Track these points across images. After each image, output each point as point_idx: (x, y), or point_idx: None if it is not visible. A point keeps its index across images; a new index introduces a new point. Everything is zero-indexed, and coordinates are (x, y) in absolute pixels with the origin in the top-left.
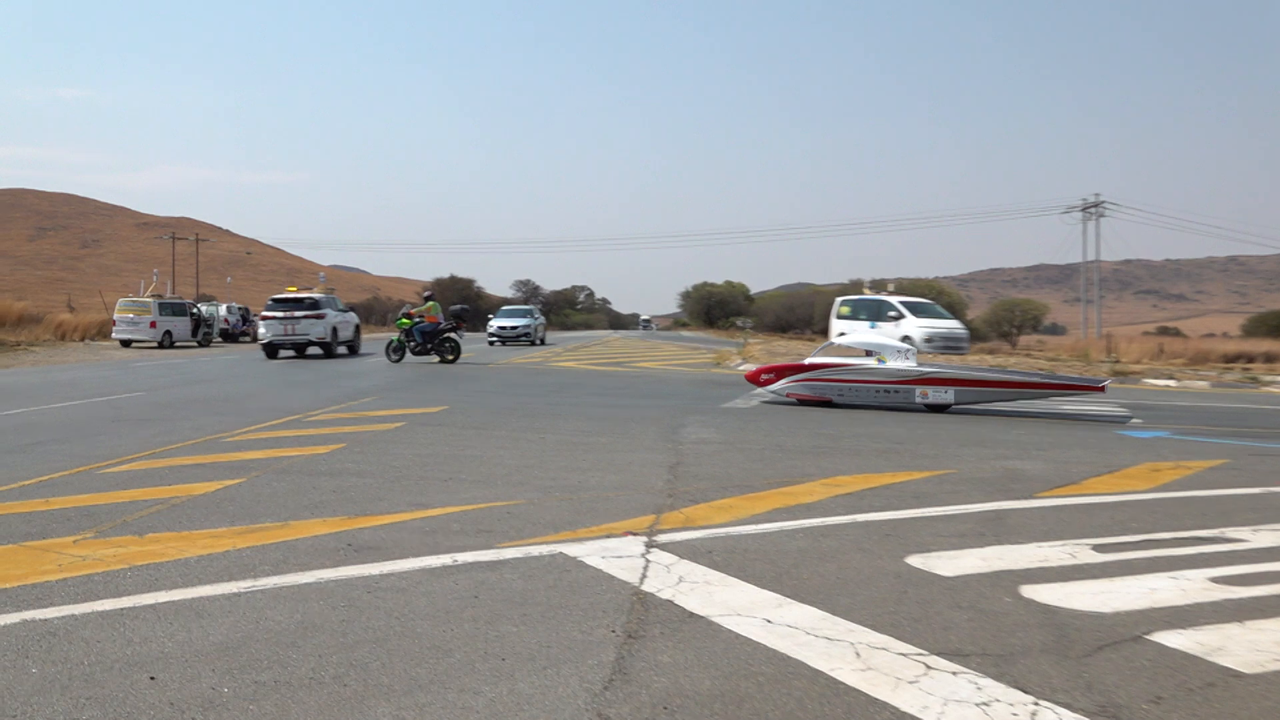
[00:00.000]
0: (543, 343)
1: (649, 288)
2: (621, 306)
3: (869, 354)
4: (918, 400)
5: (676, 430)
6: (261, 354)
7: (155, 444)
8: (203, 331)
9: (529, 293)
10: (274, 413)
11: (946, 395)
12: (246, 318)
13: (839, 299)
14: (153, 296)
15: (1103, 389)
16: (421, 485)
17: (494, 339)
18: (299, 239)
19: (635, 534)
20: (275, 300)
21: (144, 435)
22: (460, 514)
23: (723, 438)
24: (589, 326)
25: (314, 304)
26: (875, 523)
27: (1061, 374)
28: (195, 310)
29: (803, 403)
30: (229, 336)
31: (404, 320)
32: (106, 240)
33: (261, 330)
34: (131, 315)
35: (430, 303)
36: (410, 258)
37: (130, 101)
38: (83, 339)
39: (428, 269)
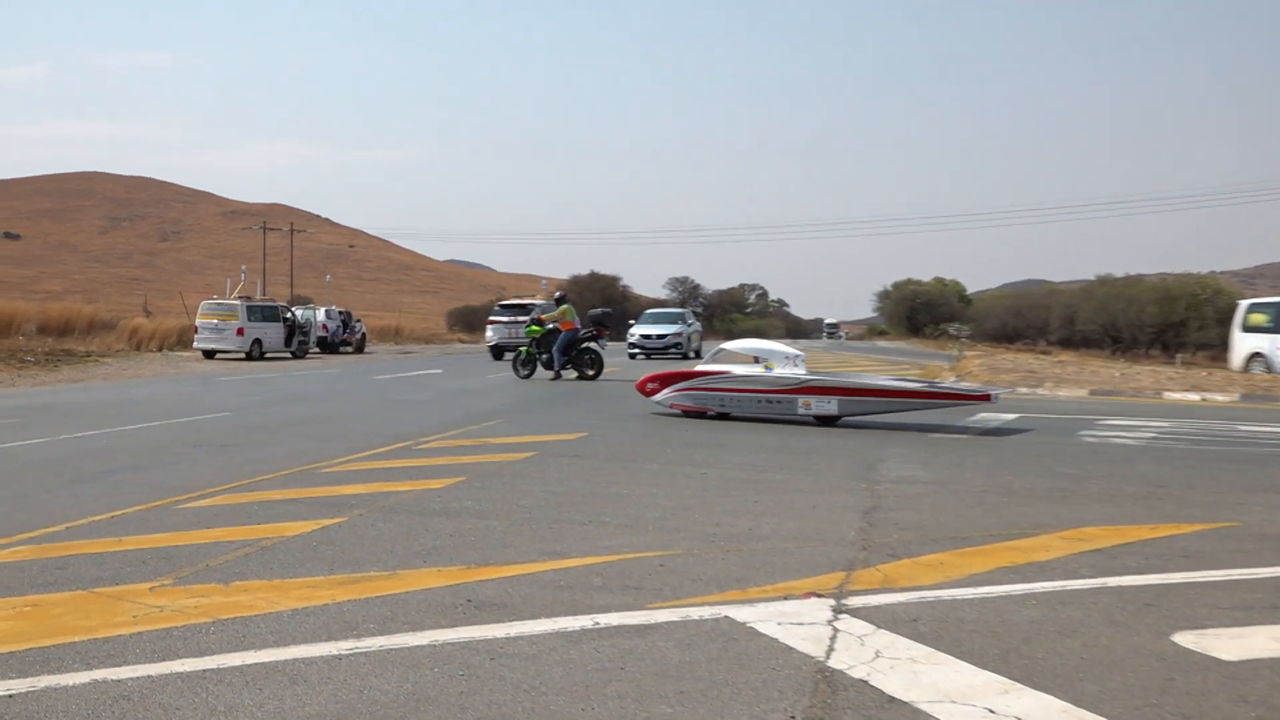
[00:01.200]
0: (698, 355)
1: (836, 286)
2: (802, 309)
3: (757, 360)
4: (800, 412)
5: (872, 466)
6: (365, 368)
7: (242, 474)
8: (298, 340)
9: (686, 293)
10: (381, 438)
11: (830, 406)
12: (349, 324)
13: (1246, 303)
14: (240, 298)
15: (988, 398)
16: (555, 529)
17: (635, 350)
18: (409, 229)
19: (820, 595)
20: (503, 306)
21: (229, 464)
22: (603, 565)
23: (931, 476)
24: (761, 334)
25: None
26: (1131, 589)
27: (948, 384)
28: (289, 315)
29: (687, 414)
30: (328, 346)
31: (533, 328)
32: (188, 232)
33: (489, 333)
34: (215, 321)
35: (564, 306)
36: (540, 252)
37: (218, 68)
38: (160, 348)
39: (562, 265)
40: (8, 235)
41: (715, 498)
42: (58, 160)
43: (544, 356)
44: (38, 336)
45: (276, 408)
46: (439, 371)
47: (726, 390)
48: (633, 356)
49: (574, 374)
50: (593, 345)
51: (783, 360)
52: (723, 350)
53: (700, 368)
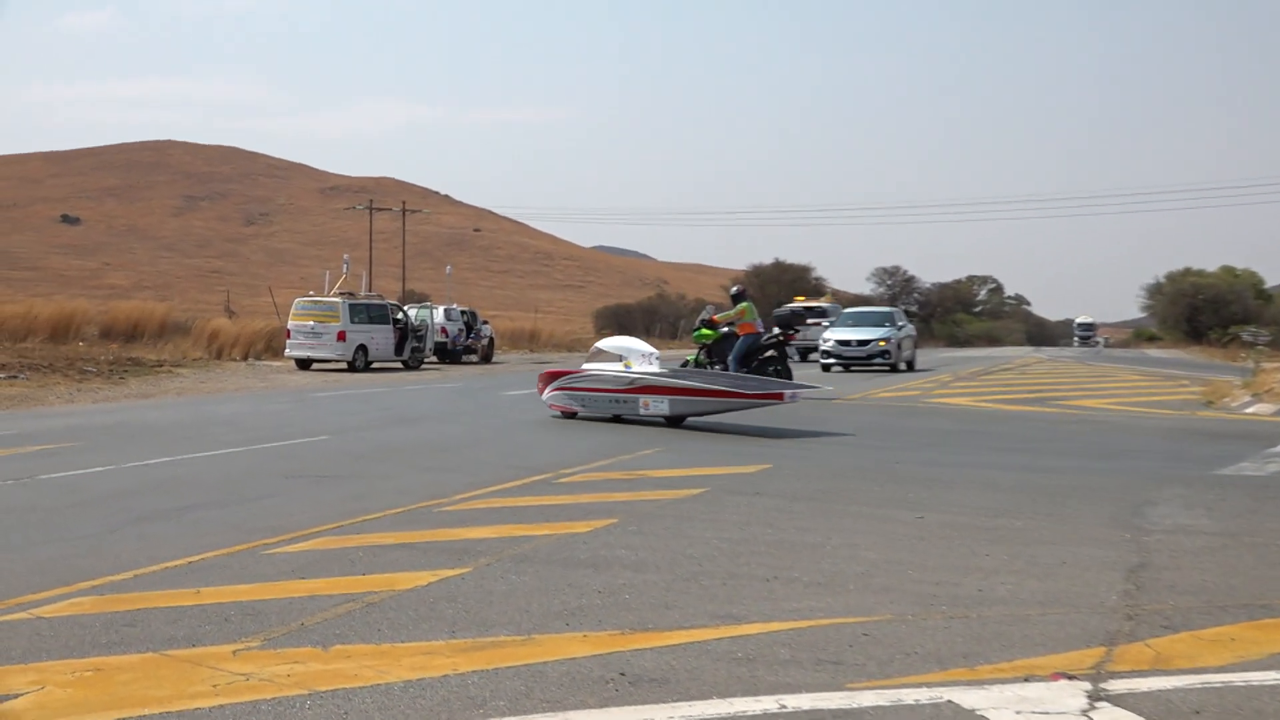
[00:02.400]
0: (910, 366)
1: (1091, 278)
2: (1047, 309)
3: (620, 359)
4: (642, 412)
5: (1140, 510)
6: (493, 382)
7: (344, 512)
8: (411, 347)
9: (897, 287)
10: (512, 470)
11: (663, 406)
12: (473, 327)
13: None
14: (341, 295)
15: (780, 397)
16: (731, 586)
17: (830, 360)
18: (548, 209)
19: (1072, 677)
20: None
21: (328, 499)
22: (790, 633)
23: (1220, 525)
24: (993, 340)
25: (821, 313)
26: None
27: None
28: (401, 316)
29: (566, 416)
30: (447, 354)
31: (704, 332)
32: (279, 213)
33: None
34: (311, 323)
35: (743, 304)
36: (708, 236)
37: (315, 13)
38: (245, 356)
39: (736, 253)
40: (66, 219)
41: (934, 549)
42: (124, 127)
43: (717, 367)
44: (100, 342)
45: (385, 431)
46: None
47: (587, 390)
48: (826, 368)
49: None
50: (779, 352)
51: (639, 358)
52: (597, 348)
53: (574, 366)
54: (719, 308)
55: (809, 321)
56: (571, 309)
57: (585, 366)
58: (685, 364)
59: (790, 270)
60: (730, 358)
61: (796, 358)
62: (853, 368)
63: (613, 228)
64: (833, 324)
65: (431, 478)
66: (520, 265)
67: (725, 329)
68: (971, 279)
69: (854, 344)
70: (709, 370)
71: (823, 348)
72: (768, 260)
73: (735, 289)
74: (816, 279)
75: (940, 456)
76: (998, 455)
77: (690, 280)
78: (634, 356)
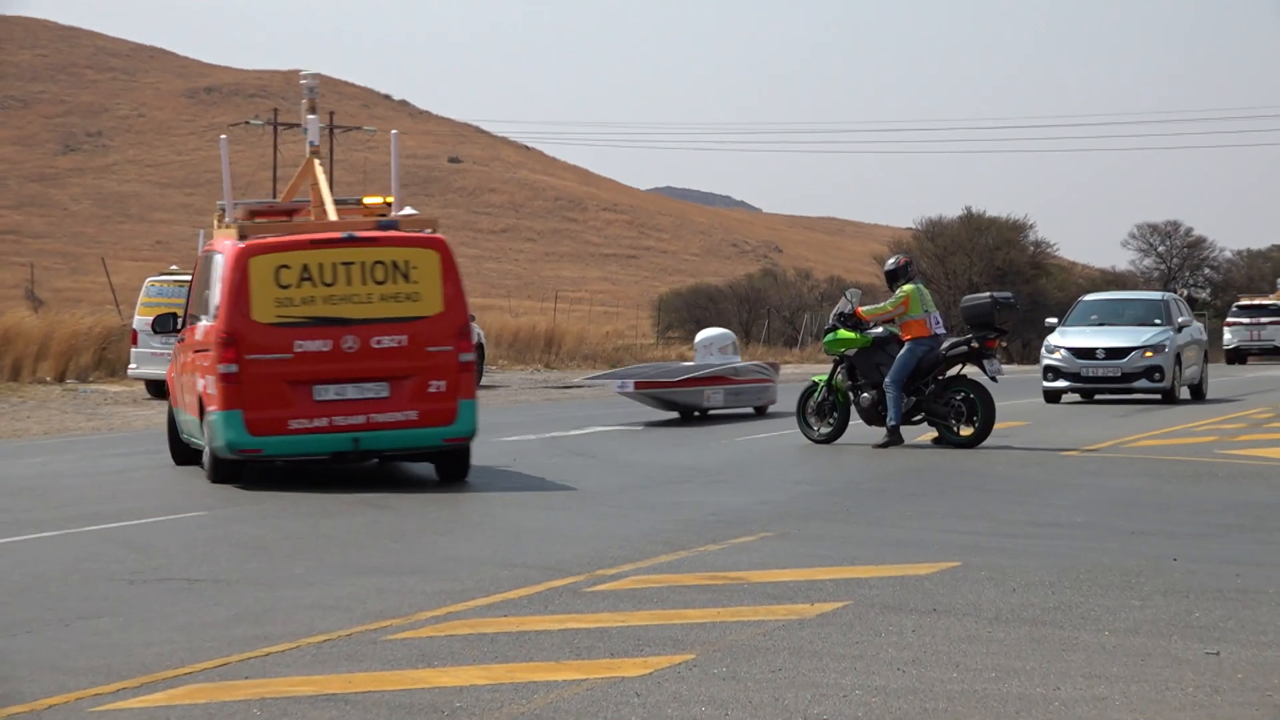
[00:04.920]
0: (1196, 393)
1: None
2: None
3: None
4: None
5: None
6: (483, 418)
7: (229, 644)
8: None
9: (1176, 259)
10: (516, 569)
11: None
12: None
13: None
14: None
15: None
16: None
17: (1058, 383)
18: (571, 127)
19: None
20: (1240, 307)
21: (204, 621)
22: None
23: None
24: None
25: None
26: None
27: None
28: None
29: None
30: None
31: (842, 335)
32: (117, 131)
33: (1227, 336)
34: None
35: (907, 287)
36: (859, 169)
37: None
38: (61, 376)
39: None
40: None
41: (1242, 713)
42: None
43: (864, 395)
44: None
45: (295, 503)
46: (637, 426)
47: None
48: (1053, 396)
49: (928, 431)
50: (976, 372)
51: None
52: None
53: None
54: (867, 294)
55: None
56: (618, 294)
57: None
58: (805, 393)
59: (989, 226)
60: (889, 379)
61: (996, 377)
62: (1099, 395)
63: (688, 158)
64: (1062, 322)
65: (378, 583)
66: (529, 220)
67: (878, 330)
68: None
69: (1100, 355)
70: (840, 403)
71: (1047, 360)
72: (950, 210)
73: (892, 262)
74: (1038, 244)
75: (1248, 550)
76: None
77: (827, 248)
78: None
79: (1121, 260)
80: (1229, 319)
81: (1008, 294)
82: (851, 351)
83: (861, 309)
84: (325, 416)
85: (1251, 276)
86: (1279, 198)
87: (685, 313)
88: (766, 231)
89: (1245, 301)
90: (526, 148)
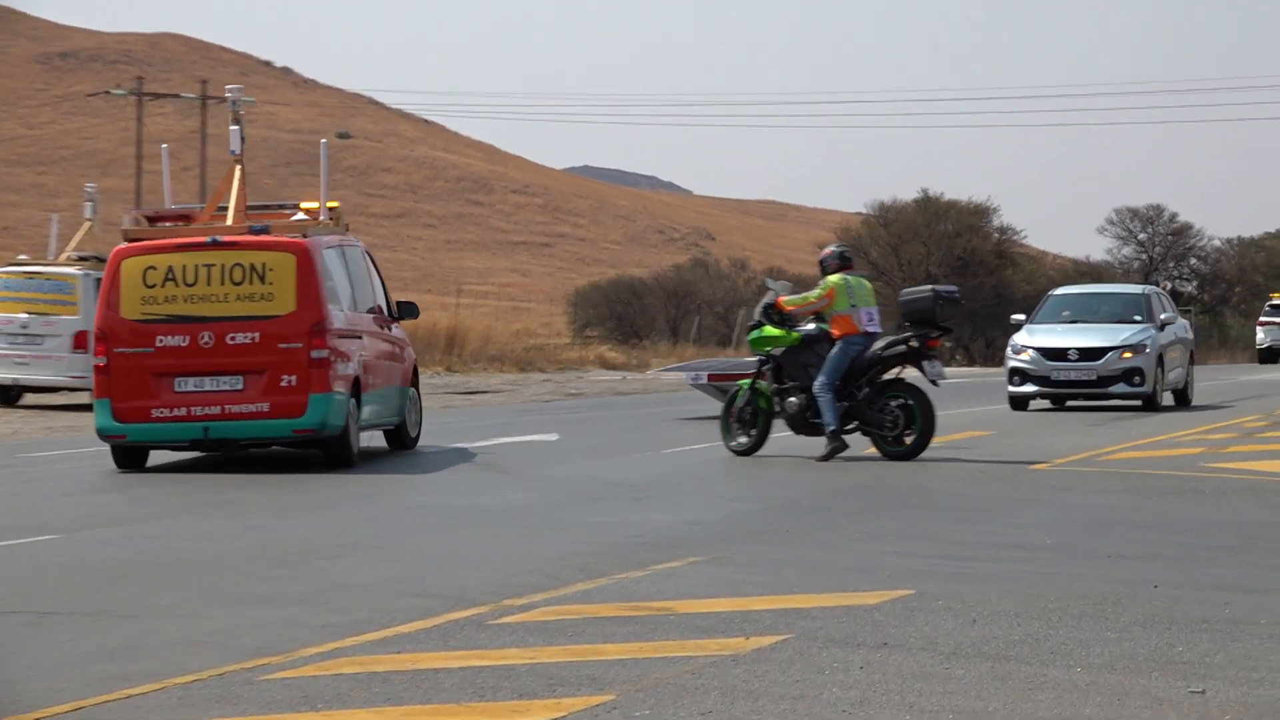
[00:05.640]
0: (1181, 399)
1: None
2: None
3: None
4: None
5: None
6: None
7: (89, 683)
8: None
9: (1159, 248)
10: (416, 599)
11: None
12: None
13: None
14: (81, 260)
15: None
16: None
17: (1025, 388)
18: (478, 100)
19: None
20: (1273, 306)
21: (59, 658)
22: None
23: None
24: None
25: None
26: None
27: None
28: None
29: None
30: None
31: (767, 332)
32: None
33: (1260, 335)
34: (22, 316)
35: (834, 277)
36: (798, 145)
37: None
38: None
39: (853, 179)
40: None
41: None
42: None
43: (790, 400)
44: None
45: (174, 522)
46: (552, 437)
47: None
48: (1019, 402)
49: (869, 444)
50: (912, 376)
51: None
52: None
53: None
54: (793, 286)
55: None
56: (529, 288)
57: None
58: (731, 397)
59: (947, 210)
60: (818, 382)
61: (937, 380)
62: (1071, 401)
63: (608, 134)
64: (1030, 319)
65: (256, 615)
66: (429, 204)
67: (808, 327)
68: None
69: (1072, 357)
70: (763, 409)
71: (1013, 362)
72: (903, 193)
73: (827, 252)
74: (1002, 230)
75: (1238, 575)
76: None
77: (766, 235)
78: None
79: (1097, 249)
80: (1262, 318)
81: (952, 287)
82: (778, 351)
83: (783, 299)
84: (185, 406)
85: (1243, 268)
86: (1274, 179)
87: (605, 308)
88: (697, 216)
89: (1277, 300)
90: (426, 121)
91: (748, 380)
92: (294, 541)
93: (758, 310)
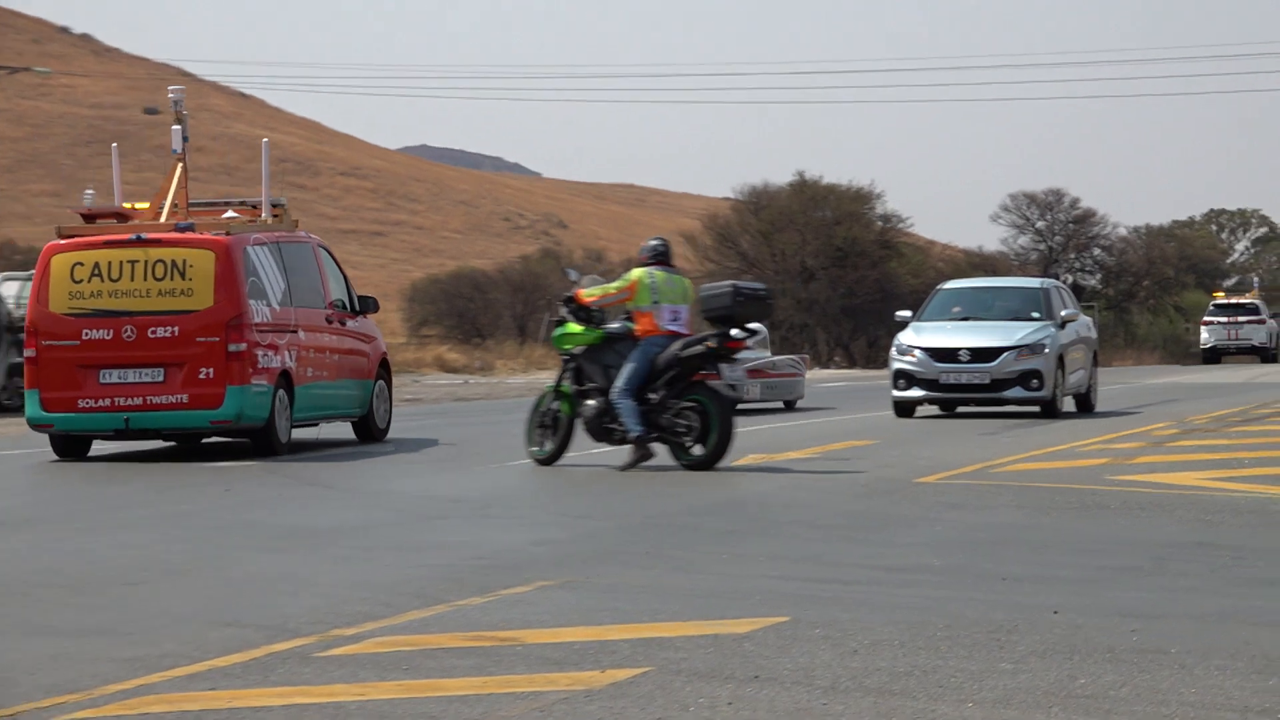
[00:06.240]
0: (1084, 404)
1: None
2: None
3: None
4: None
5: None
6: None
7: None
8: (8, 365)
9: (1059, 236)
10: (232, 629)
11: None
12: None
13: None
14: None
15: None
16: None
17: (910, 392)
18: (303, 71)
19: None
20: (1218, 306)
21: None
22: None
23: None
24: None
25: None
26: None
27: None
28: None
29: None
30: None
31: (569, 330)
32: None
33: (1204, 335)
34: None
35: (638, 270)
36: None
37: None
38: None
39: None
40: None
41: None
42: None
43: (588, 403)
44: None
45: None
46: (386, 446)
47: None
48: (904, 408)
49: (756, 452)
50: (714, 378)
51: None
52: None
53: None
54: (598, 277)
55: None
56: (360, 281)
57: None
58: (538, 401)
59: (826, 195)
60: (616, 386)
61: (749, 389)
62: (961, 408)
63: (448, 110)
64: (917, 316)
65: (53, 647)
66: (247, 187)
67: (614, 326)
68: (1215, 217)
69: (963, 358)
70: (565, 413)
71: (898, 364)
72: (777, 175)
73: (646, 246)
74: (889, 217)
75: (1146, 600)
76: (1278, 600)
77: (624, 222)
78: None
79: (991, 239)
80: (1206, 317)
81: (758, 285)
82: (579, 349)
83: (582, 291)
84: (109, 397)
85: (1151, 259)
86: (1186, 163)
87: (444, 304)
88: (547, 202)
89: (1222, 300)
90: (244, 95)
91: (555, 383)
92: (96, 565)
93: (559, 303)
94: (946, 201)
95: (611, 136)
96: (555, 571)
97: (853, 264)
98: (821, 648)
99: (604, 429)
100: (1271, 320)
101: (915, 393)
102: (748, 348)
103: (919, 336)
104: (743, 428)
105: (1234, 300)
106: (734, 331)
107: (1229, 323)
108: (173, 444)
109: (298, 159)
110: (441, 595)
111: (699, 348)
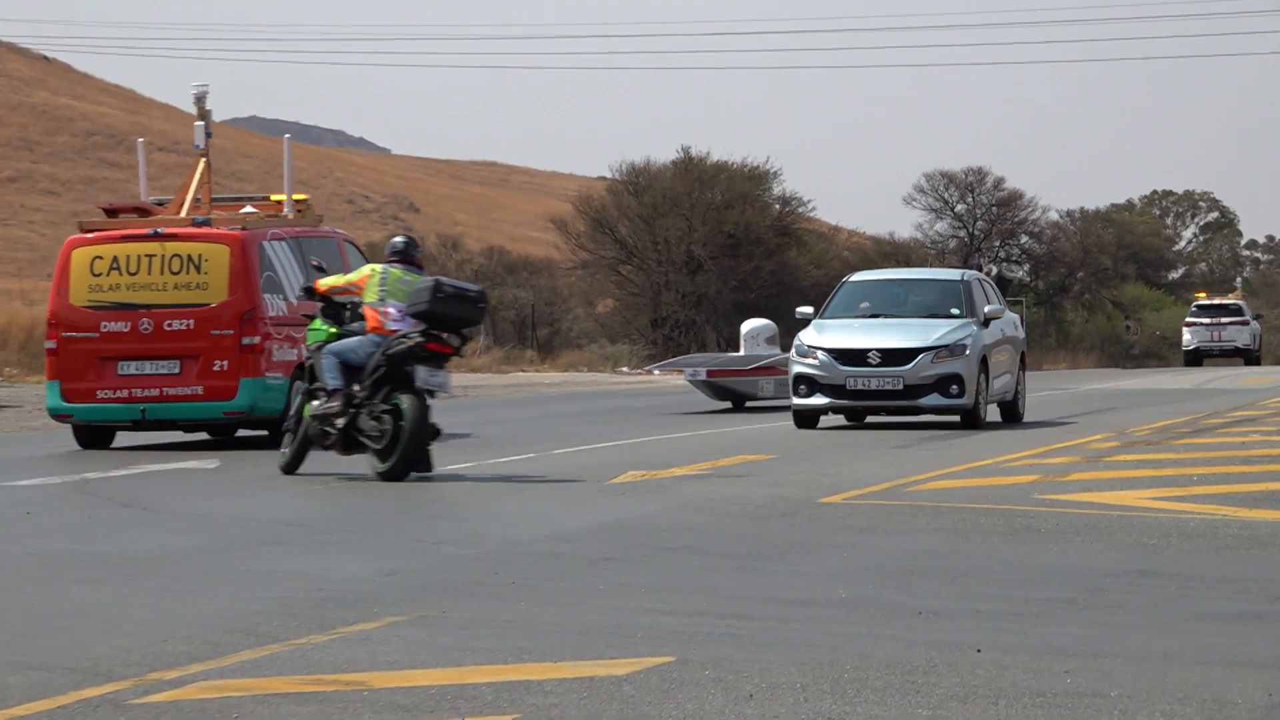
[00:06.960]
0: (1010, 412)
1: None
2: None
3: None
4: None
5: None
6: None
7: None
8: None
9: (983, 220)
10: (34, 672)
11: None
12: None
13: None
14: None
15: None
16: None
17: (814, 400)
18: (117, 32)
19: None
20: (1200, 307)
21: None
22: None
23: None
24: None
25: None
26: None
27: None
28: None
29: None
30: None
31: (315, 326)
32: None
33: (1186, 337)
34: None
35: (370, 265)
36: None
37: None
38: None
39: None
40: None
41: None
42: None
43: (314, 402)
44: None
45: None
46: (211, 464)
47: None
48: (805, 417)
49: (678, 464)
50: (422, 378)
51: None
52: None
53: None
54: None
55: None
56: None
57: None
58: (287, 409)
59: (715, 174)
60: (326, 348)
61: (436, 390)
62: (871, 417)
63: (282, 76)
64: (820, 313)
65: None
66: (51, 164)
67: (354, 327)
68: (1158, 201)
69: (873, 361)
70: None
71: (798, 367)
72: (664, 152)
73: (391, 242)
74: (788, 200)
75: (1081, 636)
76: (1232, 636)
77: (485, 205)
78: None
79: (904, 225)
80: (1188, 319)
81: (467, 284)
82: (313, 347)
83: (320, 281)
84: (126, 388)
85: (1086, 247)
86: (1124, 138)
87: None
88: (397, 182)
89: (1204, 301)
90: (46, 59)
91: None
92: None
93: (302, 293)
94: (853, 182)
95: (470, 108)
96: (406, 605)
97: (746, 253)
98: (712, 692)
99: (323, 433)
100: (1255, 321)
101: (818, 400)
102: (460, 355)
103: (822, 336)
104: (621, 440)
105: (1216, 301)
106: (445, 336)
107: (1211, 324)
108: (203, 436)
109: (109, 131)
110: (276, 633)
111: (402, 345)
